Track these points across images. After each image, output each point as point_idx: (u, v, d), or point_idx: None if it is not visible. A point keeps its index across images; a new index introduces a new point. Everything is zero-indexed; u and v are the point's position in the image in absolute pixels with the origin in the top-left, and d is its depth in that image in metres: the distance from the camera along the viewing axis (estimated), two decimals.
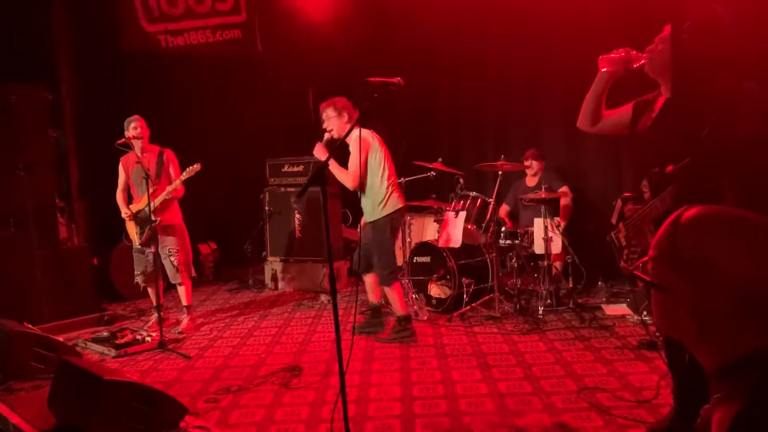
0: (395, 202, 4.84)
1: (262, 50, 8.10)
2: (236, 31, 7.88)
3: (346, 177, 4.77)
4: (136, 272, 5.53)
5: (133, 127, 5.30)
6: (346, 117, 4.81)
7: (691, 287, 1.09)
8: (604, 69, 2.93)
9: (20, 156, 5.62)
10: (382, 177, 4.81)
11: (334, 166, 4.67)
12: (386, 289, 4.94)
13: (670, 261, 1.12)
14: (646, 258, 1.20)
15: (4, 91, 5.51)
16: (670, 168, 2.55)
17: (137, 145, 5.30)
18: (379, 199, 4.80)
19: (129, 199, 5.56)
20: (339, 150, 4.65)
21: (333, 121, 4.81)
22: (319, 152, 4.71)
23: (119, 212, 5.54)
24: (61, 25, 6.67)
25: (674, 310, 1.13)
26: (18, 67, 6.17)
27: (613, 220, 2.98)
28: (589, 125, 3.10)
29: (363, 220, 5.05)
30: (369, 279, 5.10)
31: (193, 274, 5.61)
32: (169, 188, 5.27)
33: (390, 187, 4.83)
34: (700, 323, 1.10)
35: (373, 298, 5.21)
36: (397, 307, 4.89)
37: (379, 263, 4.85)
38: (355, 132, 4.34)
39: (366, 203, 4.88)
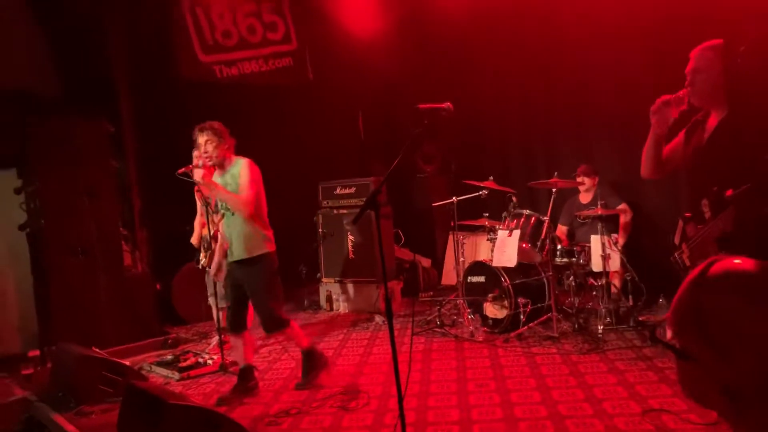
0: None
1: (313, 77, 8.27)
2: (287, 59, 8.08)
3: (238, 202, 4.29)
4: (208, 293, 5.70)
5: (195, 157, 5.48)
6: (226, 143, 4.43)
7: (718, 358, 0.93)
8: (657, 130, 2.88)
9: (85, 186, 5.88)
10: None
11: (220, 191, 4.32)
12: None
13: (693, 327, 0.95)
14: (665, 317, 1.04)
15: (70, 126, 5.79)
16: (729, 192, 2.49)
17: (198, 174, 5.47)
18: (263, 233, 4.40)
19: None
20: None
21: (211, 146, 4.35)
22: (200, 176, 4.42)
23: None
24: (121, 58, 6.96)
25: (701, 381, 0.97)
26: (82, 101, 6.48)
27: (676, 240, 2.92)
28: (656, 176, 3.06)
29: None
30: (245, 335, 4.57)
31: None
32: (216, 219, 5.37)
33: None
34: (732, 399, 0.93)
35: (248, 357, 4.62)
36: (300, 342, 4.57)
37: (268, 304, 4.36)
38: (240, 159, 4.37)
39: (245, 236, 4.35)
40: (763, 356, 0.90)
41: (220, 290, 5.46)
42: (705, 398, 1.00)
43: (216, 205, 5.45)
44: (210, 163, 4.37)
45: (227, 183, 4.37)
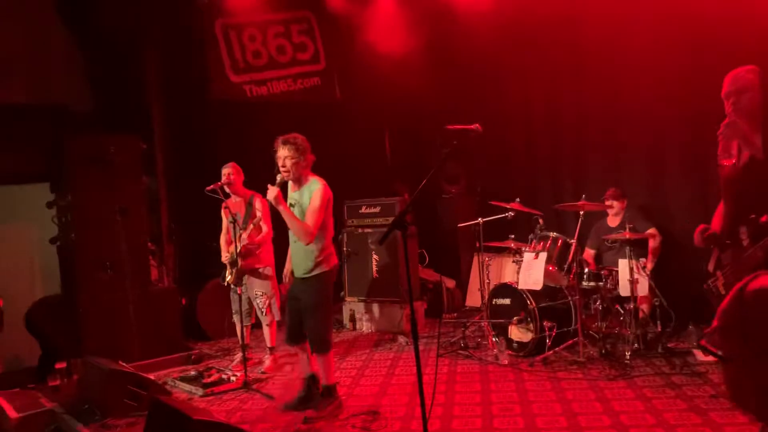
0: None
1: (340, 96, 8.36)
2: (316, 78, 8.19)
3: (300, 230, 4.20)
4: (232, 310, 5.73)
5: (225, 174, 5.55)
6: (306, 160, 4.32)
7: (758, 361, 0.97)
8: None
9: (117, 202, 5.97)
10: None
11: (288, 215, 4.19)
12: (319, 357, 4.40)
13: (738, 332, 1.00)
14: (713, 327, 1.08)
15: (105, 142, 5.91)
16: (764, 218, 2.45)
17: (231, 191, 5.55)
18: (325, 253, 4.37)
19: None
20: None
21: (290, 162, 4.24)
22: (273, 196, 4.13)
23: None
24: (154, 77, 7.13)
25: (742, 383, 1.00)
26: (115, 119, 6.63)
27: (710, 268, 2.87)
28: None
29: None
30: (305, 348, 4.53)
31: (278, 318, 5.72)
32: (244, 237, 5.42)
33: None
34: (764, 399, 0.96)
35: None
36: (329, 376, 4.45)
37: (319, 324, 4.35)
38: (316, 180, 4.28)
39: (306, 255, 4.34)
40: None
41: (245, 307, 5.50)
42: (745, 402, 1.04)
43: (243, 222, 5.52)
44: (287, 179, 4.29)
45: (301, 200, 4.31)
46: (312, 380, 4.55)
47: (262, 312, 5.60)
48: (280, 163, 4.24)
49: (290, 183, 4.41)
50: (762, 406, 0.94)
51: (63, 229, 6.18)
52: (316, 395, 4.49)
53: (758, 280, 0.98)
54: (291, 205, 4.32)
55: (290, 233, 4.41)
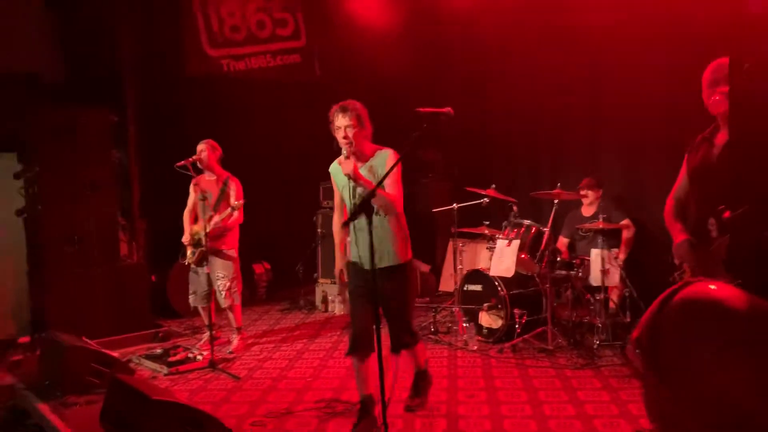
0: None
1: (320, 74, 8.23)
2: (296, 56, 8.05)
3: (388, 201, 3.66)
4: (189, 291, 5.63)
5: (199, 150, 5.43)
6: (366, 129, 3.73)
7: (665, 389, 0.87)
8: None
9: (85, 175, 5.85)
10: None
11: (370, 188, 3.50)
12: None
13: (648, 353, 0.89)
14: (633, 336, 0.95)
15: (72, 114, 5.77)
16: (727, 214, 2.43)
17: (204, 167, 5.43)
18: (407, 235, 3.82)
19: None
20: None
21: (351, 132, 3.62)
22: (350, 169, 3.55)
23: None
24: (128, 49, 6.94)
25: (647, 396, 0.91)
26: (86, 90, 6.46)
27: (676, 260, 2.85)
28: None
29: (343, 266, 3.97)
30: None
31: (238, 302, 5.62)
32: (216, 219, 5.32)
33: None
34: (664, 424, 0.87)
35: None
36: (420, 361, 4.10)
37: (407, 317, 3.85)
38: (383, 150, 3.72)
39: (394, 239, 3.73)
40: (714, 400, 0.82)
41: (205, 288, 5.41)
42: (649, 414, 0.96)
43: (215, 204, 5.40)
44: (349, 150, 3.60)
45: (373, 174, 3.68)
46: (370, 401, 3.80)
47: (222, 294, 5.47)
48: (340, 134, 3.60)
49: (345, 159, 3.64)
50: (658, 422, 0.86)
51: (30, 201, 6.03)
52: (371, 418, 3.76)
53: (686, 290, 0.85)
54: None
55: (334, 224, 3.95)
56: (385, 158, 3.67)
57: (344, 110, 3.61)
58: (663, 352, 0.85)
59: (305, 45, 8.13)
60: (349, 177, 3.52)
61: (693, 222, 2.83)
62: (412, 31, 7.77)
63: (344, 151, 3.59)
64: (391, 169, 3.47)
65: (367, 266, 3.48)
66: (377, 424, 3.68)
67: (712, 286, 0.92)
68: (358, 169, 3.61)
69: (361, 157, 3.70)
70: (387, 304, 3.67)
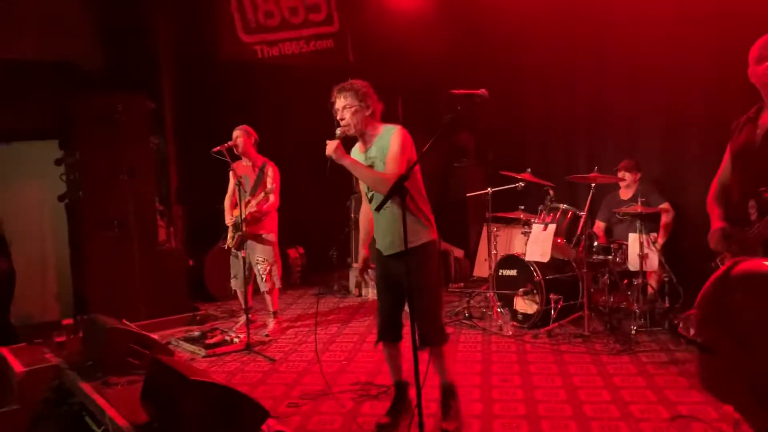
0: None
1: (353, 59, 8.21)
2: (329, 41, 8.04)
3: (378, 181, 3.39)
4: (231, 275, 5.71)
5: (235, 136, 5.47)
6: (370, 108, 3.53)
7: (745, 354, 0.88)
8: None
9: (124, 161, 5.97)
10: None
11: (359, 168, 3.44)
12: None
13: (719, 323, 0.91)
14: (689, 313, 0.98)
15: (111, 101, 5.87)
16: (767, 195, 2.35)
17: (241, 153, 5.48)
18: (426, 215, 3.56)
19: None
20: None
21: (349, 112, 3.49)
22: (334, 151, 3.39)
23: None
24: (164, 36, 7.04)
25: (722, 375, 0.93)
26: (124, 77, 6.57)
27: (712, 247, 2.77)
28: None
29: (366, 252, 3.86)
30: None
31: (279, 285, 5.68)
32: (252, 203, 5.37)
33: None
34: (754, 391, 0.88)
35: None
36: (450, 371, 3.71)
37: (432, 308, 3.54)
38: (389, 127, 3.51)
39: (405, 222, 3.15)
40: None
41: (246, 272, 5.47)
42: (724, 393, 0.97)
43: (253, 188, 5.46)
44: (350, 132, 3.50)
45: (371, 159, 3.51)
46: (402, 387, 3.77)
47: (262, 278, 5.54)
48: (338, 116, 3.51)
49: (358, 143, 3.59)
50: (743, 397, 0.87)
51: (71, 186, 6.18)
52: (406, 402, 3.74)
53: (745, 264, 0.89)
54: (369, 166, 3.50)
55: (363, 208, 3.80)
56: (389, 135, 3.46)
57: (341, 91, 3.51)
58: (738, 321, 0.88)
59: (338, 30, 8.11)
60: (331, 159, 3.37)
61: (733, 205, 2.75)
62: (445, 14, 7.68)
63: (337, 131, 3.46)
64: (397, 147, 3.37)
65: (385, 252, 3.50)
66: (412, 407, 3.63)
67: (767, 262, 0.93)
68: (363, 151, 3.53)
69: (367, 137, 3.54)
70: (408, 291, 3.39)
